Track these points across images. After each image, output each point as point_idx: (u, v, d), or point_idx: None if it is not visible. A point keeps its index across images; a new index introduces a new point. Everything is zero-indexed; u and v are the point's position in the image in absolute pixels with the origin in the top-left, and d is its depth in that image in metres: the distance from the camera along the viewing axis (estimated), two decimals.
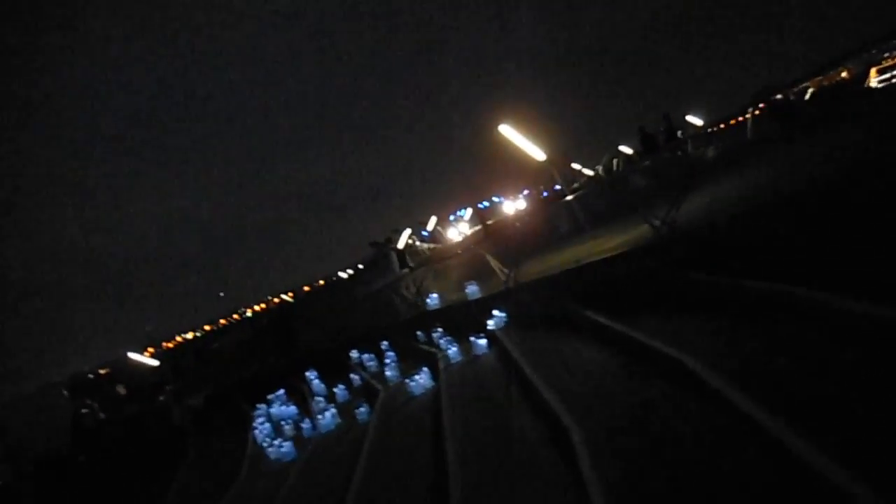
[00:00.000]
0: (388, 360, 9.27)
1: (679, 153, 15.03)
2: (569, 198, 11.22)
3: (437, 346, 8.07)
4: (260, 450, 8.64)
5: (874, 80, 27.67)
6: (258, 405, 10.92)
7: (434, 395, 6.79)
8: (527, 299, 7.52)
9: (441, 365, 7.27)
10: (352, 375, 9.75)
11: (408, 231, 29.88)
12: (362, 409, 7.37)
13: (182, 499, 8.99)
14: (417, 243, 24.60)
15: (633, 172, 14.48)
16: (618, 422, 3.62)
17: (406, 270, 14.35)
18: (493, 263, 8.84)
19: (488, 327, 7.45)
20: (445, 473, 4.18)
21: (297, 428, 8.76)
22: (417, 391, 7.01)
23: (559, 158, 10.73)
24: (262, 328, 22.32)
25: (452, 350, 7.27)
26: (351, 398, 8.96)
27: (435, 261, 17.84)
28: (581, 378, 4.66)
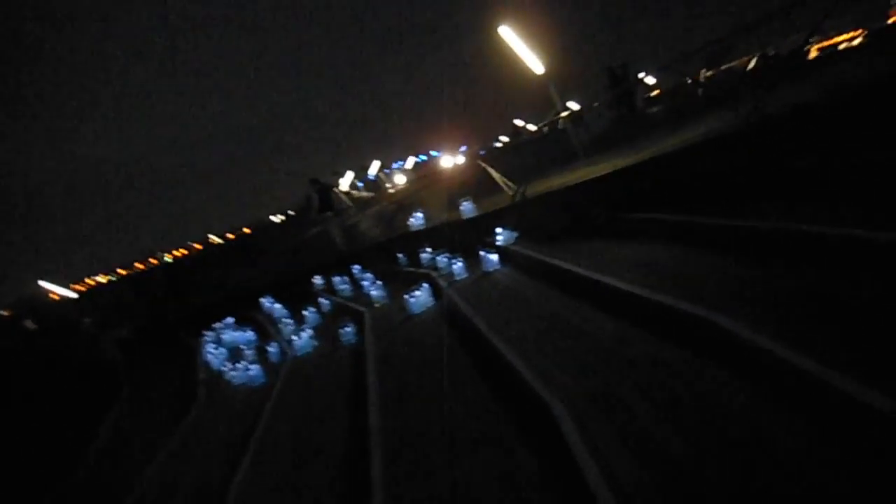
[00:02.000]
0: (365, 282, 8.26)
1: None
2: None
3: (434, 266, 7.15)
4: (216, 376, 7.50)
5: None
6: (205, 332, 9.66)
7: (439, 311, 5.92)
8: (538, 213, 6.71)
9: (443, 283, 6.37)
10: (320, 300, 8.66)
11: (350, 174, 28.77)
12: (348, 330, 6.37)
13: (120, 437, 7.73)
14: (358, 187, 23.85)
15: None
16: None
17: (329, 214, 13.13)
18: (498, 178, 7.92)
19: (498, 242, 6.58)
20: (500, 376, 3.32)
21: (261, 352, 7.66)
22: (416, 309, 6.08)
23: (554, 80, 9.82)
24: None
25: (457, 266, 6.35)
26: (323, 321, 7.92)
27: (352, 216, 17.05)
28: (644, 269, 3.93)
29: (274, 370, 6.76)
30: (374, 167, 29.66)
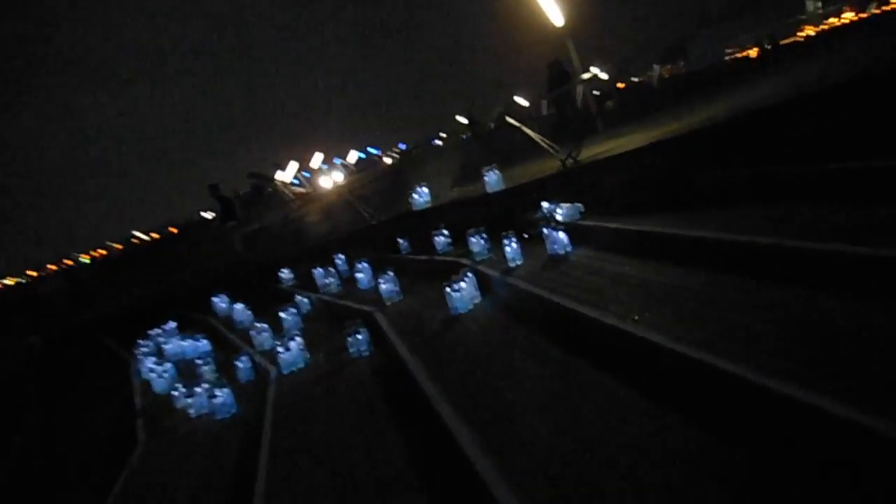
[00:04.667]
0: (360, 275, 6.44)
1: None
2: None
3: (464, 251, 5.45)
4: (160, 402, 5.50)
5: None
6: (140, 342, 7.52)
7: (496, 309, 4.24)
8: (605, 181, 5.15)
9: (491, 272, 4.69)
10: (297, 298, 6.76)
11: (295, 164, 26.65)
12: (359, 337, 4.56)
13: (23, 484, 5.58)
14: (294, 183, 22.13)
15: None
16: None
17: (232, 224, 11.54)
18: (538, 138, 6.29)
19: (560, 217, 4.96)
20: None
21: (224, 369, 5.72)
22: (461, 306, 4.36)
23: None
24: None
25: (511, 249, 4.67)
26: (303, 324, 6.04)
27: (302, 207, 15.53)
28: None
29: (246, 394, 4.87)
30: (316, 160, 27.77)
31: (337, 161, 29.37)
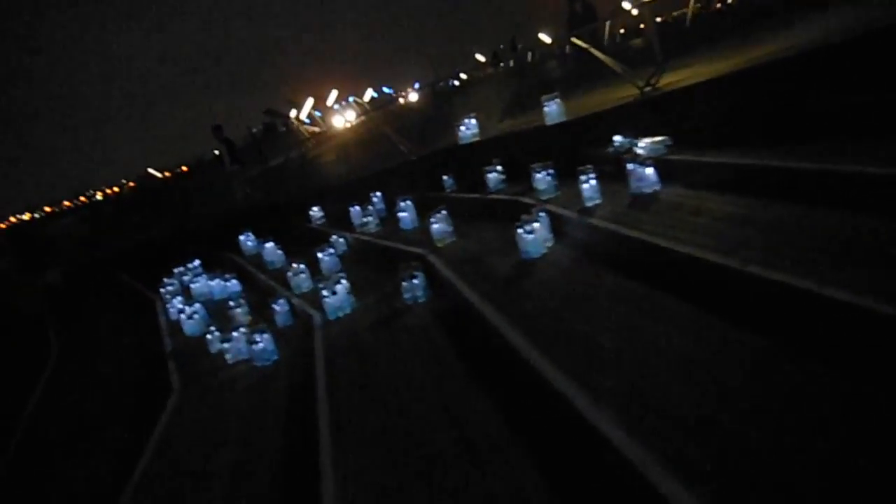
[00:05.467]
0: (403, 213, 5.89)
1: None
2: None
3: (528, 187, 4.87)
4: (192, 347, 5.11)
5: None
6: (167, 280, 7.11)
7: (576, 252, 3.71)
8: (693, 111, 4.49)
9: (563, 211, 4.14)
10: (333, 237, 6.26)
11: (311, 101, 25.76)
12: (416, 282, 4.07)
13: (41, 438, 5.28)
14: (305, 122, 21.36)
15: None
16: None
17: (236, 167, 10.86)
18: (610, 62, 5.58)
19: (640, 151, 4.34)
20: None
21: (258, 312, 5.30)
22: (534, 250, 3.82)
23: None
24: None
25: (588, 187, 4.08)
26: (341, 266, 5.55)
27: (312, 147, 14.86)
28: None
29: (285, 340, 4.45)
30: (332, 97, 26.90)
31: (350, 100, 28.42)
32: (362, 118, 21.08)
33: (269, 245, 6.66)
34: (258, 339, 4.14)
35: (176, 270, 7.52)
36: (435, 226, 4.84)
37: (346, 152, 12.98)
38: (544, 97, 5.68)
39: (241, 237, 7.72)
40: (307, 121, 22.73)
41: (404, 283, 4.08)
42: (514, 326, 2.83)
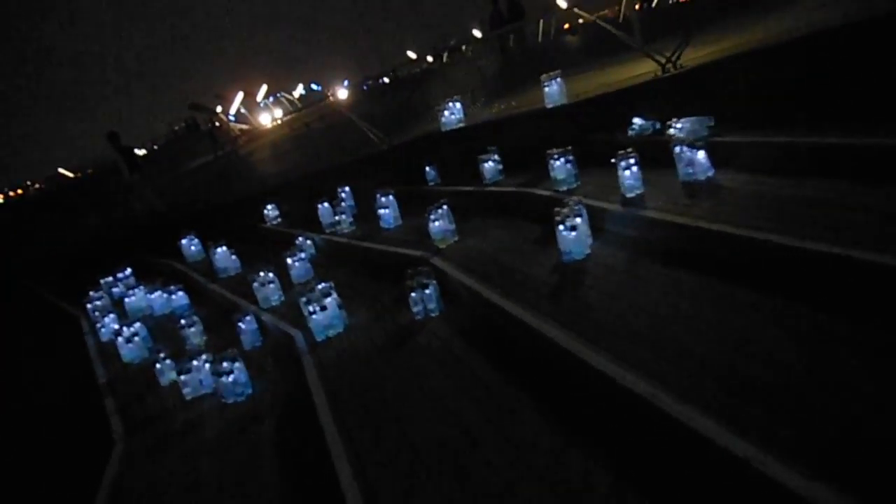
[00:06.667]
0: (384, 209, 5.09)
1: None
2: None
3: (548, 176, 4.17)
4: (131, 375, 4.12)
5: None
6: (93, 293, 5.95)
7: (624, 248, 3.06)
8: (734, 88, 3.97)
9: (600, 203, 3.50)
10: (299, 239, 5.37)
11: (241, 95, 24.81)
12: (428, 292, 3.30)
13: None
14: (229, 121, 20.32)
15: None
16: None
17: (135, 177, 9.84)
18: (621, 35, 4.98)
19: (678, 133, 3.77)
20: None
21: (214, 331, 4.36)
22: (577, 251, 3.15)
23: None
24: None
25: (630, 174, 3.45)
26: (309, 276, 4.68)
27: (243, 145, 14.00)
28: None
29: (257, 367, 3.58)
30: (261, 92, 25.88)
31: (279, 95, 27.24)
32: (291, 115, 19.98)
33: (222, 250, 5.66)
34: (228, 368, 3.26)
35: (103, 281, 6.38)
36: (435, 223, 4.08)
37: (283, 149, 12.07)
38: (544, 76, 5.04)
39: (184, 241, 6.64)
40: (232, 118, 21.33)
41: (413, 294, 3.31)
42: (597, 352, 2.14)
